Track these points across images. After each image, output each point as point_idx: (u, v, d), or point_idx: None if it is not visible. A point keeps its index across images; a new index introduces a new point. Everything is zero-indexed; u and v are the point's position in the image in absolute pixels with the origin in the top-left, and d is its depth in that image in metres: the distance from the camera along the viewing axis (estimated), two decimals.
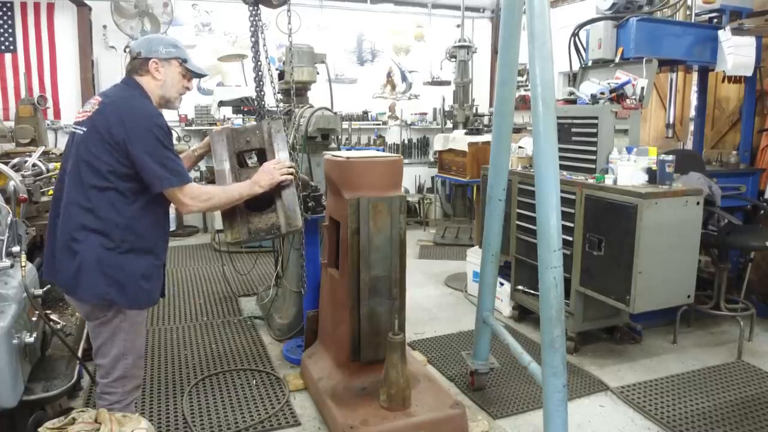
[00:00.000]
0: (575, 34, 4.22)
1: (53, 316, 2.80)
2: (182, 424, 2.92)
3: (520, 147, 4.36)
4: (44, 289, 2.46)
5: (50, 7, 6.80)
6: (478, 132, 6.70)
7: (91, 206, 2.01)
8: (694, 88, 5.34)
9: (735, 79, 4.64)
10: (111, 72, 6.95)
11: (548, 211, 2.27)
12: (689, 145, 5.38)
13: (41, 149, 4.23)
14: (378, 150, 7.72)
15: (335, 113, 3.84)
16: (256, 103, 3.62)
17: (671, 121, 4.56)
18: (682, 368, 3.57)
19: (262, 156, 2.88)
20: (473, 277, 4.80)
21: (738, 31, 4.09)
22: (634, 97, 3.63)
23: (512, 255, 4.24)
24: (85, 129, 2.07)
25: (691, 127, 5.52)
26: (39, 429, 1.74)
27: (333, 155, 2.98)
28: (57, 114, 7.01)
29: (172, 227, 7.30)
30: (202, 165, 3.19)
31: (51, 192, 3.53)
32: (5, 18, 6.68)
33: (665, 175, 3.30)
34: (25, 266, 2.24)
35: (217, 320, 4.40)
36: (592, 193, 3.46)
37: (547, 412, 2.34)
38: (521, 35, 2.76)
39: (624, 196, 3.24)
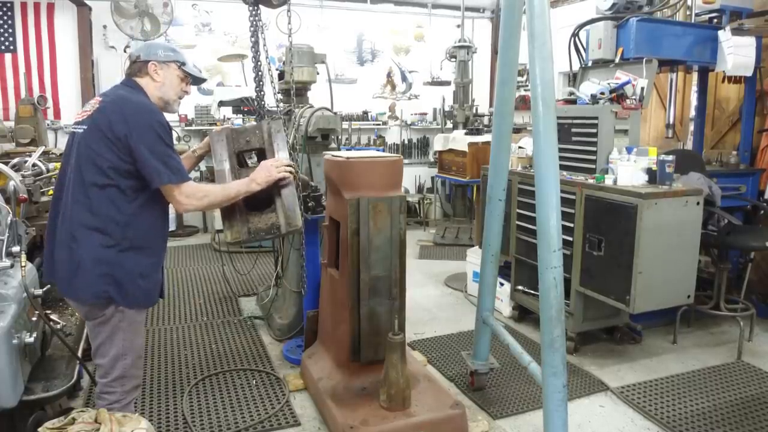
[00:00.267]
0: (575, 35, 4.23)
1: (53, 316, 2.80)
2: (182, 424, 2.92)
3: (520, 147, 4.36)
4: (44, 289, 2.46)
5: (50, 7, 6.80)
6: (478, 132, 6.70)
7: (92, 204, 2.02)
8: (694, 88, 5.34)
9: (735, 80, 4.64)
10: (111, 72, 6.95)
11: (548, 211, 2.27)
12: (689, 146, 5.38)
13: (41, 149, 4.23)
14: (378, 150, 7.72)
15: (335, 113, 3.84)
16: (256, 103, 3.62)
17: (671, 122, 4.56)
18: (682, 368, 3.57)
19: (262, 156, 2.88)
20: (473, 277, 4.80)
21: (738, 31, 4.09)
22: (634, 97, 3.63)
23: (512, 255, 4.24)
24: (85, 127, 2.08)
25: (691, 128, 5.52)
26: (39, 429, 1.74)
27: (333, 155, 2.98)
28: (57, 114, 7.01)
29: (172, 227, 7.31)
30: (202, 165, 3.20)
31: (51, 192, 3.54)
32: (5, 18, 6.68)
33: (665, 176, 3.30)
34: (25, 266, 2.24)
35: (217, 320, 4.40)
36: (592, 193, 3.46)
37: (547, 412, 2.34)
38: (521, 35, 2.76)
39: (624, 196, 3.24)
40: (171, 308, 4.63)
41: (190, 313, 4.55)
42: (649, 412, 3.04)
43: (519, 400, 3.18)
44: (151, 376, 3.42)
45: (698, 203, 3.29)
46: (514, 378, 3.44)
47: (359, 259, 2.80)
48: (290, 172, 2.63)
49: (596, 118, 3.61)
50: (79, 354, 2.57)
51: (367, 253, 2.80)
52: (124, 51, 7.02)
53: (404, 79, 8.67)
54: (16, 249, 2.25)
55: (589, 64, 4.18)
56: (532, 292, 4.14)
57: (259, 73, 3.47)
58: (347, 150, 4.68)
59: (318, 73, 4.14)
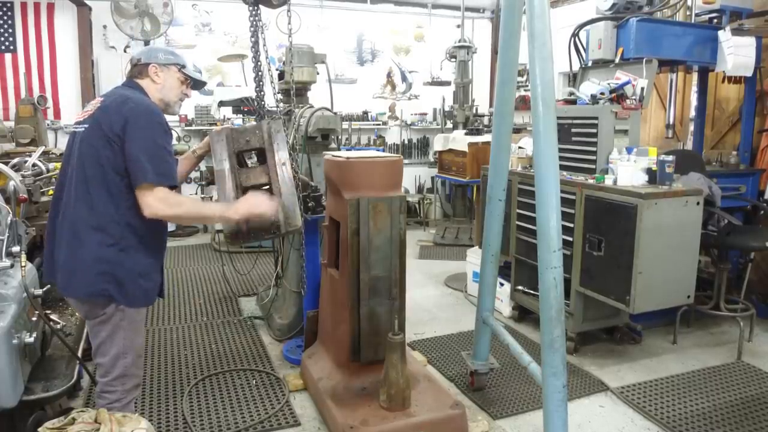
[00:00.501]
0: (575, 35, 4.23)
1: (53, 316, 2.80)
2: (182, 424, 2.92)
3: (520, 147, 4.36)
4: (44, 289, 2.46)
5: (50, 7, 6.80)
6: (478, 132, 6.70)
7: (92, 202, 2.03)
8: (694, 88, 5.34)
9: (735, 80, 4.64)
10: (111, 72, 6.95)
11: (548, 212, 2.27)
12: (689, 146, 5.38)
13: (41, 149, 4.23)
14: (378, 150, 7.72)
15: (335, 113, 3.84)
16: (256, 103, 3.63)
17: (671, 122, 4.56)
18: (682, 368, 3.57)
19: (262, 156, 2.88)
20: (473, 277, 4.80)
21: (738, 31, 4.10)
22: (634, 97, 3.63)
23: (512, 255, 4.24)
24: (86, 126, 2.10)
25: (691, 128, 5.52)
26: (39, 429, 1.74)
27: (333, 155, 2.98)
28: (57, 114, 7.02)
29: (172, 227, 7.30)
30: (202, 165, 3.18)
31: (51, 192, 3.54)
32: (5, 18, 6.68)
33: (665, 176, 3.30)
34: (25, 266, 2.25)
35: (217, 320, 4.40)
36: (592, 193, 3.46)
37: (547, 412, 2.34)
38: (521, 35, 2.76)
39: (624, 196, 3.24)
40: (171, 308, 4.63)
41: (190, 313, 4.55)
42: (649, 413, 3.04)
43: (519, 400, 3.18)
44: (151, 376, 3.42)
45: (698, 203, 3.29)
46: (514, 378, 3.44)
47: (359, 259, 2.80)
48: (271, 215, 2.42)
49: (596, 118, 3.62)
50: (79, 354, 2.57)
51: (367, 253, 2.80)
52: (124, 51, 7.03)
53: (404, 79, 8.67)
54: (16, 249, 2.25)
55: (589, 64, 4.18)
56: (532, 292, 4.14)
57: (259, 73, 3.47)
58: (347, 150, 4.68)
59: (318, 73, 4.14)
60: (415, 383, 2.89)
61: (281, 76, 4.07)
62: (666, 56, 3.99)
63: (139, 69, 2.26)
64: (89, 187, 2.03)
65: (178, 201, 2.13)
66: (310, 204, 3.36)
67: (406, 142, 8.69)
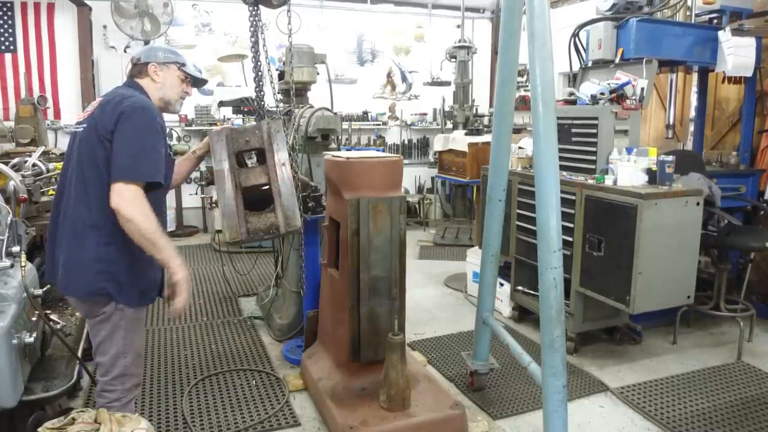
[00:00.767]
0: (575, 35, 4.23)
1: (53, 316, 2.80)
2: (182, 424, 2.92)
3: (520, 147, 4.36)
4: (44, 289, 2.46)
5: (50, 7, 6.80)
6: (478, 132, 6.70)
7: (90, 202, 2.03)
8: (694, 88, 5.34)
9: (735, 80, 4.64)
10: (111, 72, 6.95)
11: (548, 212, 2.27)
12: (689, 146, 5.38)
13: (41, 149, 4.23)
14: (378, 150, 7.72)
15: (335, 113, 3.84)
16: (256, 103, 3.63)
17: (671, 122, 4.57)
18: (682, 369, 3.57)
19: (262, 156, 2.88)
20: (473, 277, 4.80)
21: (738, 31, 4.10)
22: (634, 97, 3.63)
23: (512, 255, 4.24)
24: (85, 125, 2.10)
25: (691, 128, 5.52)
26: (39, 429, 1.74)
27: (333, 155, 2.98)
28: (57, 114, 7.01)
29: (172, 227, 7.31)
30: (202, 165, 3.18)
31: (51, 192, 3.54)
32: (5, 18, 6.68)
33: (665, 176, 3.30)
34: (25, 266, 2.25)
35: (217, 320, 4.40)
36: (592, 193, 3.46)
37: (547, 412, 2.34)
38: (521, 36, 2.76)
39: (624, 196, 3.24)
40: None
41: (190, 313, 4.55)
42: (649, 413, 3.04)
43: (519, 401, 3.18)
44: (151, 376, 3.42)
45: (698, 204, 3.29)
46: (514, 378, 3.44)
47: (359, 260, 2.80)
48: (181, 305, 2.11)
49: (596, 118, 3.62)
50: (79, 354, 2.57)
51: (367, 254, 2.80)
52: (125, 51, 7.03)
53: (404, 79, 8.67)
54: (16, 249, 2.25)
55: (589, 64, 4.18)
56: (532, 292, 4.14)
57: (259, 73, 3.47)
58: (347, 150, 4.68)
59: (318, 74, 4.14)
60: (415, 383, 2.89)
61: (281, 76, 4.07)
62: (666, 56, 3.99)
63: (139, 68, 2.26)
64: (87, 187, 2.04)
65: (146, 212, 1.96)
66: (310, 204, 3.36)
67: (406, 142, 8.69)
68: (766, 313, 4.30)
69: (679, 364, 3.65)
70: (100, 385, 2.17)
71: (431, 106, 8.59)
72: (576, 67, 4.31)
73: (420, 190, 8.62)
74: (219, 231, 6.08)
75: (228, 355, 3.77)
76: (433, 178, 8.23)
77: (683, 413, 3.04)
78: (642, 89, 3.63)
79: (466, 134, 6.70)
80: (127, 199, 1.95)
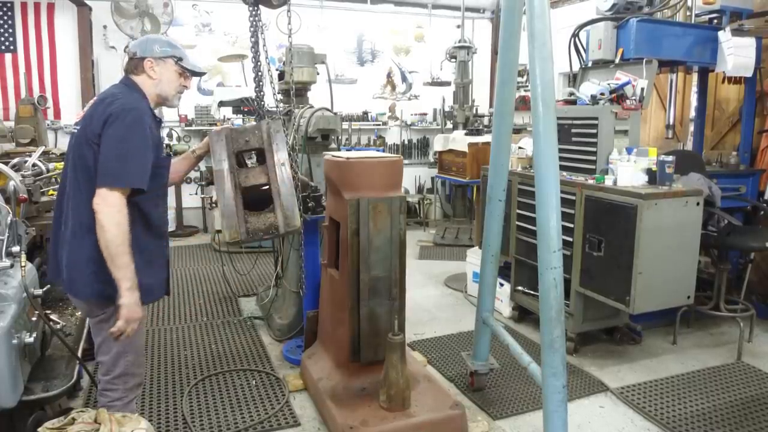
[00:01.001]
0: (575, 35, 4.23)
1: (53, 316, 2.80)
2: (182, 424, 2.92)
3: (520, 147, 4.36)
4: (44, 289, 2.46)
5: (50, 7, 6.80)
6: (478, 132, 6.70)
7: (84, 204, 2.01)
8: (694, 89, 5.34)
9: (735, 80, 4.64)
10: (111, 72, 6.95)
11: (548, 212, 2.27)
12: (689, 146, 5.38)
13: (41, 149, 4.23)
14: (378, 150, 7.72)
15: (335, 114, 3.84)
16: (255, 103, 3.63)
17: (671, 122, 4.57)
18: (682, 369, 3.57)
19: (262, 156, 2.88)
20: (473, 277, 4.80)
21: (738, 32, 4.10)
22: (634, 97, 3.63)
23: (512, 255, 4.24)
24: (79, 127, 2.10)
25: (691, 128, 5.52)
26: (38, 429, 1.74)
27: (333, 156, 2.98)
28: (57, 114, 7.01)
29: (173, 227, 7.31)
30: (202, 165, 3.18)
31: (51, 192, 3.54)
32: (5, 18, 6.68)
33: (665, 176, 3.30)
34: (25, 266, 2.24)
35: (217, 320, 4.39)
36: (592, 193, 3.46)
37: (547, 412, 2.35)
38: (521, 36, 2.76)
39: (624, 196, 3.24)
40: (171, 308, 4.63)
41: (190, 313, 4.55)
42: (649, 413, 3.04)
43: (519, 401, 3.18)
44: (151, 376, 3.42)
45: (698, 204, 3.29)
46: (514, 378, 3.44)
47: (359, 260, 2.80)
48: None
49: (596, 118, 3.61)
50: (79, 354, 2.57)
51: (367, 254, 2.80)
52: (125, 51, 7.01)
53: (404, 79, 8.67)
54: (16, 249, 2.25)
55: (589, 64, 4.18)
56: (532, 292, 4.14)
57: (259, 73, 3.47)
58: (347, 150, 4.68)
59: (318, 74, 4.14)
60: (414, 383, 2.89)
61: (281, 76, 4.07)
62: (666, 57, 3.99)
63: (135, 63, 2.21)
64: (81, 189, 2.03)
65: (119, 222, 1.94)
66: (310, 204, 3.36)
67: (406, 142, 8.69)
68: (766, 313, 4.30)
69: (679, 364, 3.65)
70: (102, 385, 2.17)
71: (431, 106, 8.59)
72: (576, 67, 4.31)
73: (420, 190, 8.62)
74: (219, 231, 6.08)
75: (228, 355, 3.77)
76: (433, 178, 8.23)
77: (683, 413, 3.04)
78: (642, 89, 3.63)
79: (466, 134, 6.70)
80: (107, 205, 1.93)
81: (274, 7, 3.44)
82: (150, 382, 3.34)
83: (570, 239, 3.57)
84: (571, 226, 3.57)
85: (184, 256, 6.39)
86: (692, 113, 5.55)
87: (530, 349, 3.66)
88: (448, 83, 7.80)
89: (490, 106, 8.27)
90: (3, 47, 6.70)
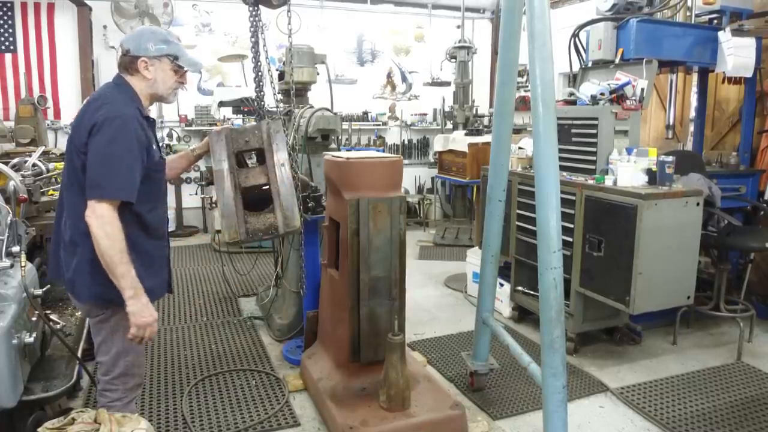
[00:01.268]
0: (575, 35, 4.23)
1: (53, 316, 2.80)
2: (182, 424, 2.92)
3: (520, 148, 4.36)
4: (44, 289, 2.46)
5: (50, 7, 6.80)
6: (478, 133, 6.70)
7: (79, 207, 1.98)
8: (694, 89, 5.34)
9: (735, 81, 4.64)
10: (111, 72, 6.78)
11: (548, 212, 2.27)
12: (689, 146, 5.38)
13: (41, 149, 4.23)
14: (378, 150, 7.72)
15: (335, 114, 3.84)
16: (256, 103, 3.63)
17: (671, 122, 4.57)
18: (682, 369, 3.57)
19: (262, 156, 2.88)
20: (473, 277, 4.80)
21: (738, 32, 4.10)
22: (634, 98, 3.63)
23: (512, 256, 4.24)
24: (70, 131, 2.07)
25: (691, 128, 5.52)
26: (38, 429, 1.74)
27: (333, 156, 2.98)
28: (57, 114, 7.01)
29: (173, 227, 7.31)
30: (202, 165, 3.19)
31: (51, 192, 3.54)
32: (5, 18, 6.68)
33: (665, 176, 3.30)
34: (24, 266, 2.24)
35: (217, 321, 4.39)
36: (592, 193, 3.46)
37: (547, 413, 2.35)
38: (521, 36, 2.76)
39: (624, 197, 3.24)
40: (171, 308, 4.63)
41: (190, 313, 4.55)
42: (648, 413, 3.04)
43: (519, 401, 3.18)
44: (151, 376, 3.42)
45: (698, 204, 3.29)
46: (514, 379, 3.44)
47: (359, 260, 2.80)
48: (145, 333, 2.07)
49: (596, 118, 3.62)
50: (79, 354, 2.57)
51: (367, 254, 2.80)
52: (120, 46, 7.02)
53: (404, 79, 8.67)
54: (16, 249, 2.25)
55: (589, 64, 4.18)
56: (532, 292, 4.14)
57: (259, 73, 3.47)
58: (347, 150, 4.68)
59: (318, 74, 4.14)
60: (414, 384, 2.89)
61: (281, 76, 4.08)
62: (666, 57, 3.99)
63: (128, 61, 2.11)
64: (75, 194, 2.02)
65: (112, 233, 1.91)
66: (310, 204, 3.36)
67: (406, 142, 8.69)
68: (766, 313, 4.30)
69: (679, 364, 3.65)
70: (102, 385, 2.16)
71: (431, 107, 8.59)
72: (576, 67, 4.31)
73: (420, 190, 8.62)
74: (219, 231, 6.08)
75: (228, 355, 3.77)
76: (433, 179, 8.23)
77: (683, 414, 3.04)
78: (642, 90, 3.63)
79: (466, 134, 6.70)
80: (97, 217, 1.91)
81: (274, 7, 3.44)
82: (150, 382, 3.34)
83: (570, 239, 3.57)
84: (571, 226, 3.57)
85: (184, 256, 6.39)
86: (692, 113, 5.55)
87: (530, 349, 3.66)
88: (448, 83, 7.80)
89: (490, 106, 8.27)
90: (3, 47, 6.70)
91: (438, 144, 7.13)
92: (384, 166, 2.89)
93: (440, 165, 7.17)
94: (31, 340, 2.25)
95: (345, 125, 7.39)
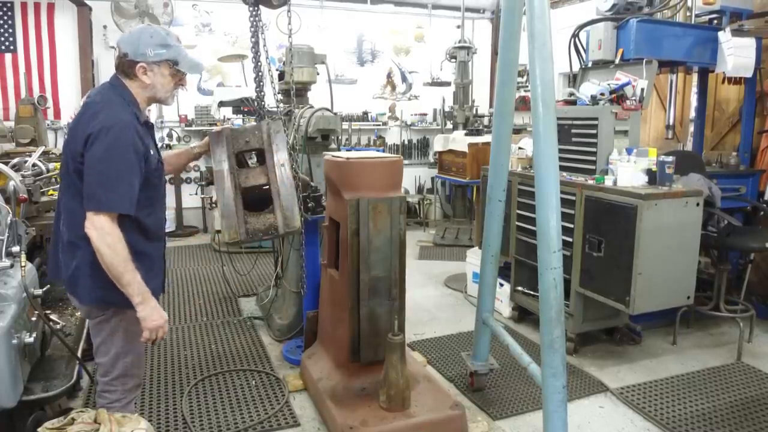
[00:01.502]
0: (575, 35, 4.23)
1: (53, 316, 2.80)
2: (182, 424, 2.92)
3: (520, 148, 4.36)
4: (44, 289, 2.46)
5: (50, 7, 6.80)
6: (478, 133, 6.70)
7: (76, 210, 1.98)
8: (694, 89, 5.34)
9: (735, 81, 4.64)
10: (111, 72, 6.82)
11: (548, 212, 2.27)
12: (689, 147, 5.38)
13: (41, 149, 4.23)
14: (378, 150, 7.72)
15: (335, 114, 3.84)
16: (256, 103, 3.63)
17: (671, 123, 4.57)
18: (682, 369, 3.57)
19: (261, 156, 2.88)
20: (473, 277, 4.80)
21: (738, 32, 4.10)
22: (634, 98, 3.63)
23: (512, 256, 4.23)
24: (66, 137, 2.06)
25: (691, 129, 5.52)
26: (38, 429, 1.74)
27: (333, 156, 2.98)
28: (57, 114, 7.01)
29: (172, 227, 7.30)
30: (202, 165, 3.19)
31: (51, 192, 3.54)
32: (5, 18, 6.68)
33: (665, 176, 3.30)
34: (24, 266, 2.25)
35: (217, 321, 4.39)
36: (592, 194, 3.46)
37: (547, 413, 2.35)
38: (521, 36, 2.77)
39: (624, 197, 3.24)
40: (171, 308, 4.63)
41: (190, 313, 4.55)
42: (648, 413, 3.04)
43: (519, 401, 3.18)
44: (151, 376, 3.42)
45: (698, 204, 3.29)
46: (514, 379, 3.44)
47: (359, 260, 2.80)
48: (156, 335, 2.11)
49: (596, 119, 3.62)
50: (79, 354, 2.57)
51: (366, 254, 2.80)
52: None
53: (404, 79, 8.67)
54: (16, 249, 2.25)
55: (589, 64, 4.18)
56: (532, 293, 4.14)
57: (259, 73, 3.47)
58: (347, 150, 4.68)
59: (318, 74, 4.14)
60: (414, 384, 2.89)
61: (281, 76, 4.07)
62: (666, 57, 3.99)
63: (126, 65, 2.05)
64: (71, 195, 2.01)
65: (114, 243, 1.91)
66: (310, 204, 3.36)
67: (406, 142, 8.69)
68: (765, 313, 4.30)
69: (679, 364, 3.65)
70: (101, 386, 2.16)
71: (431, 107, 8.59)
72: (576, 67, 4.31)
73: (420, 190, 8.62)
74: (219, 231, 6.08)
75: (228, 355, 3.77)
76: (433, 179, 8.23)
77: (683, 414, 3.04)
78: (642, 90, 3.63)
79: (466, 134, 6.71)
80: (95, 229, 1.89)
81: (274, 7, 3.44)
82: (150, 382, 3.34)
83: (570, 239, 3.57)
84: (571, 226, 3.57)
85: (184, 256, 6.38)
86: (692, 114, 5.55)
87: (530, 349, 3.66)
88: (448, 83, 7.80)
89: (490, 106, 8.26)
90: (3, 47, 6.70)
91: (438, 144, 7.13)
92: (384, 166, 2.89)
93: (440, 165, 7.17)
94: (31, 340, 2.25)
95: (345, 125, 7.39)
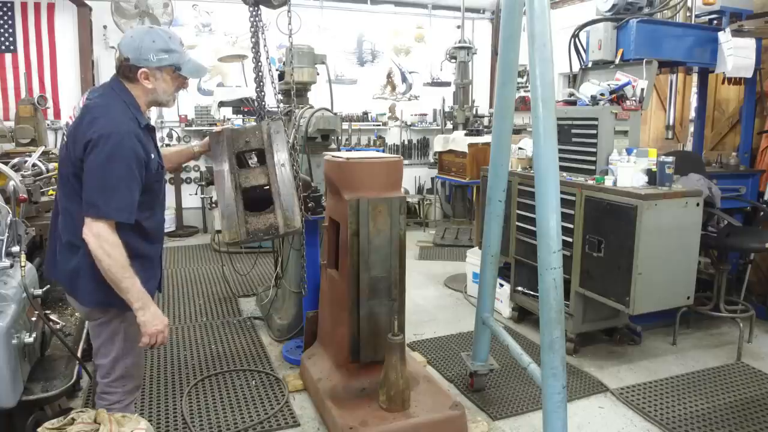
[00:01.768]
0: (575, 36, 4.23)
1: (53, 316, 2.79)
2: (181, 424, 2.92)
3: (520, 148, 4.36)
4: (44, 289, 2.46)
5: (50, 7, 6.80)
6: (478, 133, 6.70)
7: (74, 213, 1.98)
8: (694, 89, 5.34)
9: (735, 81, 4.64)
10: (111, 72, 6.86)
11: (548, 213, 2.27)
12: (689, 147, 5.38)
13: (41, 149, 4.23)
14: (378, 151, 7.72)
15: (335, 114, 3.84)
16: (256, 103, 3.62)
17: (671, 123, 4.56)
18: (682, 370, 3.57)
19: (262, 156, 2.88)
20: (473, 278, 4.80)
21: (738, 32, 4.10)
22: (634, 98, 3.63)
23: (512, 256, 4.24)
24: (66, 136, 2.04)
25: (691, 129, 5.52)
26: (38, 429, 1.74)
27: (333, 156, 2.98)
28: (57, 114, 7.01)
29: (172, 227, 7.30)
30: (202, 165, 3.19)
31: (51, 192, 3.54)
32: (5, 18, 6.68)
33: (665, 177, 3.30)
34: (24, 266, 2.25)
35: (217, 321, 4.39)
36: (591, 194, 3.46)
37: (547, 413, 2.35)
38: (521, 36, 2.77)
39: (624, 197, 3.24)
40: (171, 308, 4.63)
41: (189, 313, 4.55)
42: (648, 414, 3.04)
43: (518, 401, 3.18)
44: (150, 376, 3.42)
45: (698, 204, 3.29)
46: (514, 379, 3.44)
47: (359, 260, 2.80)
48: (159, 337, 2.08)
49: (596, 119, 3.62)
50: (79, 354, 2.56)
51: (366, 254, 2.80)
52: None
53: (404, 79, 8.67)
54: (15, 249, 2.25)
55: (589, 65, 4.18)
56: (532, 293, 4.14)
57: (260, 73, 3.46)
58: (347, 151, 4.68)
59: (318, 74, 4.14)
60: (414, 384, 2.89)
61: (281, 76, 4.08)
62: (666, 57, 3.99)
63: (128, 69, 2.03)
64: (67, 196, 2.01)
65: (110, 250, 1.89)
66: (310, 204, 3.36)
67: (406, 142, 8.69)
68: (765, 314, 4.30)
69: (679, 365, 3.65)
70: (101, 387, 2.16)
71: (431, 107, 8.60)
72: (576, 67, 4.31)
73: (420, 190, 8.62)
74: (219, 231, 6.08)
75: (228, 355, 3.77)
76: (433, 179, 8.23)
77: (683, 414, 3.04)
78: (642, 90, 3.63)
79: (466, 135, 6.71)
80: (93, 236, 1.88)
81: (275, 7, 3.44)
82: (150, 383, 3.34)
83: (570, 240, 3.57)
84: (571, 226, 3.57)
85: (184, 256, 6.39)
86: (692, 114, 5.55)
87: (530, 349, 3.67)
88: (448, 84, 7.80)
89: (490, 106, 8.27)
90: (3, 47, 6.70)
91: (438, 144, 7.13)
92: (384, 167, 2.89)
93: (440, 165, 7.17)
94: (31, 340, 2.25)
95: (345, 125, 7.38)
